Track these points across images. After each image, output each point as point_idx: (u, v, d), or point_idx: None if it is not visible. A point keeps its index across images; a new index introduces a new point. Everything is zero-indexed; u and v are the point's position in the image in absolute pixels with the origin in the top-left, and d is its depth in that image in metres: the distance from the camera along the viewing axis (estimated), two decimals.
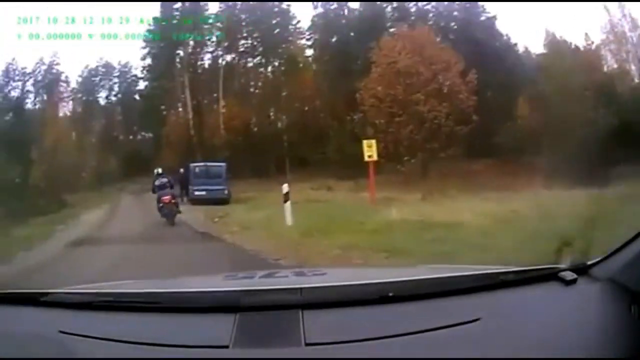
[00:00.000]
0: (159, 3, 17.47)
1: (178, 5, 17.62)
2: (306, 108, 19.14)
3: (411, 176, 14.20)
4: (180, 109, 19.23)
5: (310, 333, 1.05)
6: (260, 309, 1.15)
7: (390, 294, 1.16)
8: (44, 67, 16.89)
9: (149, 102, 18.95)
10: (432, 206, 9.39)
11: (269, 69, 20.03)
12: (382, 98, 14.90)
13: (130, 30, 14.27)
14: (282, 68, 19.68)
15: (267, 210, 10.23)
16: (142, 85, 19.59)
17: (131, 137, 20.07)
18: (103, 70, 18.90)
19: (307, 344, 1.03)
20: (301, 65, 19.79)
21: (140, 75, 19.24)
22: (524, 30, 31.27)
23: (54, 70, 17.27)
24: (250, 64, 19.96)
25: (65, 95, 18.21)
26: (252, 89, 20.47)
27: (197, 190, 13.80)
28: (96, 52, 18.49)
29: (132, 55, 21.28)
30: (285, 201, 8.91)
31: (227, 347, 1.03)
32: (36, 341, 1.13)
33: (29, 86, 16.86)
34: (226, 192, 13.88)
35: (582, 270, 1.25)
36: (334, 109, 17.55)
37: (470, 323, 1.06)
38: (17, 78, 16.64)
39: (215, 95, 19.08)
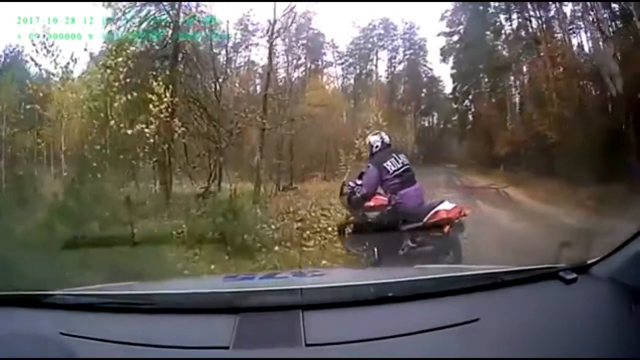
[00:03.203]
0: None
1: None
2: None
3: None
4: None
5: (311, 333, 1.05)
6: (260, 309, 1.15)
7: (390, 295, 1.16)
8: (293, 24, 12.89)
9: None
10: None
11: None
12: None
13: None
14: None
15: None
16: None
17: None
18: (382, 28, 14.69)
19: (307, 345, 1.03)
20: None
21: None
22: None
23: (315, 31, 13.61)
24: None
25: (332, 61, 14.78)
26: None
27: None
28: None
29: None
30: None
31: (227, 347, 1.03)
32: (37, 342, 1.14)
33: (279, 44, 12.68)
34: None
35: (582, 269, 1.24)
36: None
37: (469, 323, 1.06)
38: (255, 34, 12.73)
39: None
